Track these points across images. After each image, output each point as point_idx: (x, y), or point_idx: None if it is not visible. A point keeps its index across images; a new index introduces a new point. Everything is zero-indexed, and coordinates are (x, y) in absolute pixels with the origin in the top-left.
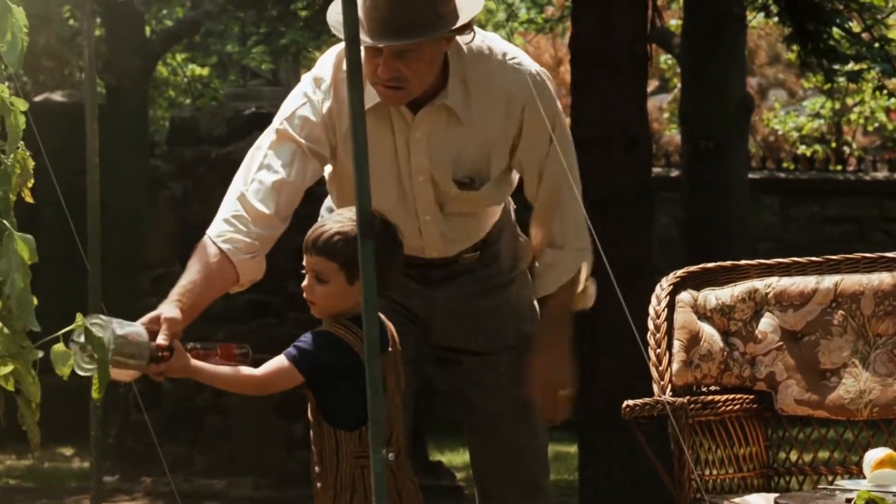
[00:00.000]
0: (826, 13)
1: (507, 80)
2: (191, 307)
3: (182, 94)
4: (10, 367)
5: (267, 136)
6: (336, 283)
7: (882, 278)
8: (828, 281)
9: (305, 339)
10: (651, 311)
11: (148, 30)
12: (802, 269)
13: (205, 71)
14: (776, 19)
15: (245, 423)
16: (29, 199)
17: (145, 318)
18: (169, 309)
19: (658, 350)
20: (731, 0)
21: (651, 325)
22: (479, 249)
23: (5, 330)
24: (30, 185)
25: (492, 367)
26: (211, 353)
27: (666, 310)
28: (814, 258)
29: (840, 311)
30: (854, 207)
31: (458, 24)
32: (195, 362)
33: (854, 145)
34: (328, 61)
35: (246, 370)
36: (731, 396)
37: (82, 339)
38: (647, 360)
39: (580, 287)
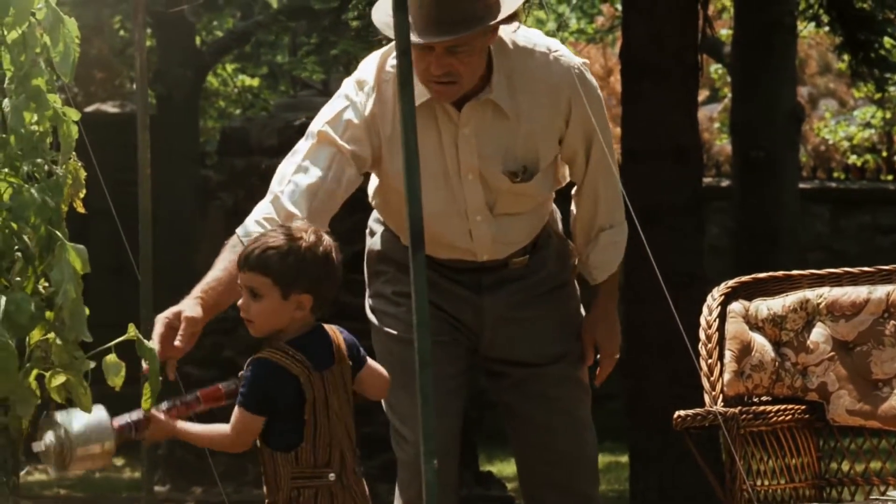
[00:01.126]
0: (877, 22)
1: (551, 74)
2: (213, 305)
3: (232, 104)
4: (62, 378)
5: (306, 140)
6: (271, 299)
7: None
8: (880, 291)
9: (248, 376)
10: (702, 321)
11: (198, 40)
12: (854, 280)
13: (255, 81)
14: (827, 29)
15: None
16: (81, 210)
17: (168, 312)
18: (190, 307)
19: (710, 360)
20: (783, 10)
21: (703, 335)
22: (528, 253)
23: (58, 340)
24: (81, 195)
25: (540, 378)
26: (192, 404)
27: (717, 320)
28: (865, 268)
29: (892, 322)
30: None
31: (505, 13)
32: (179, 424)
33: None
34: (371, 64)
35: (219, 430)
36: (783, 407)
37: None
38: (698, 370)
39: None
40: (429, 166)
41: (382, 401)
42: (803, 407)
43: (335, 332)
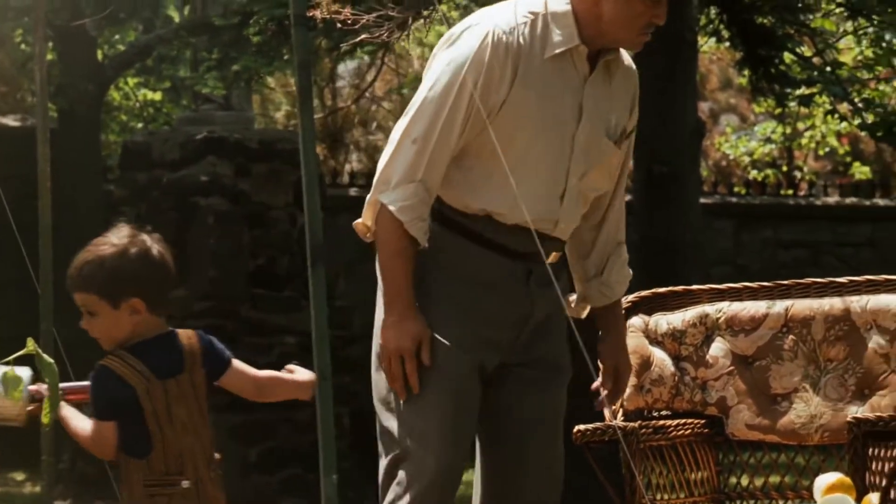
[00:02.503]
0: (777, 38)
1: (630, 62)
2: None
3: (135, 118)
4: None
5: None
6: (104, 313)
7: (832, 303)
8: (779, 306)
9: (90, 385)
10: None
11: (100, 54)
12: (754, 294)
13: (157, 95)
14: (728, 44)
15: None
16: None
17: (410, 345)
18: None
19: None
20: (684, 25)
21: None
22: (561, 250)
23: None
24: None
25: (550, 383)
26: (69, 394)
27: None
28: (764, 283)
29: (791, 336)
30: (806, 232)
31: None
32: (64, 409)
33: (805, 170)
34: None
35: (85, 429)
36: (683, 421)
37: None
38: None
39: None
40: (548, 115)
41: (383, 426)
42: (703, 421)
43: (190, 337)
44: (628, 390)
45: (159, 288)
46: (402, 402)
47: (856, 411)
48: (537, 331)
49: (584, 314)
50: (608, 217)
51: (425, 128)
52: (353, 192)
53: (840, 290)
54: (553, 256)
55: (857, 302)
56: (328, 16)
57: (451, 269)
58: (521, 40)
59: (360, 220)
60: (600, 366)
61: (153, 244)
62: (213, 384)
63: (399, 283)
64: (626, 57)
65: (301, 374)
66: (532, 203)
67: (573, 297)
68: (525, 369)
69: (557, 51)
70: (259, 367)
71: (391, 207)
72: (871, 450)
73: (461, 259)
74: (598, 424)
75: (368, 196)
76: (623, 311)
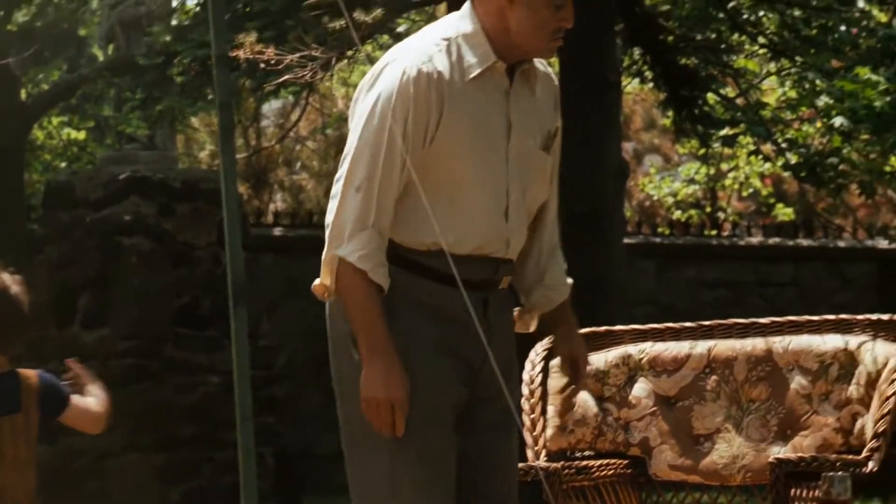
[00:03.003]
0: (700, 79)
1: (546, 67)
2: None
3: (58, 157)
4: None
5: None
6: None
7: (755, 343)
8: (701, 346)
9: None
10: (525, 376)
11: (24, 93)
12: (676, 335)
13: (81, 135)
14: (651, 85)
15: (124, 488)
16: None
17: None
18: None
19: (532, 415)
20: (607, 66)
21: (525, 391)
22: (512, 272)
23: None
24: None
25: (506, 412)
26: None
27: (540, 375)
28: (687, 324)
29: (713, 377)
30: (730, 272)
31: None
32: None
33: (729, 210)
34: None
35: None
36: (606, 462)
37: None
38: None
39: None
40: (479, 137)
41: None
42: (626, 462)
43: (30, 377)
44: (550, 430)
45: (5, 328)
46: (385, 448)
47: (778, 451)
48: (497, 360)
49: (534, 326)
50: (544, 221)
51: (366, 173)
52: (276, 231)
53: (762, 331)
54: (505, 281)
55: (779, 343)
56: (251, 56)
57: (415, 309)
58: (439, 68)
59: (317, 282)
60: (558, 359)
61: (10, 285)
62: (55, 420)
63: (376, 332)
64: (540, 63)
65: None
66: (481, 227)
67: (517, 310)
68: (485, 409)
69: (476, 72)
70: (183, 408)
71: (350, 259)
72: (793, 490)
73: (423, 297)
74: (520, 465)
75: (323, 255)
76: (571, 308)
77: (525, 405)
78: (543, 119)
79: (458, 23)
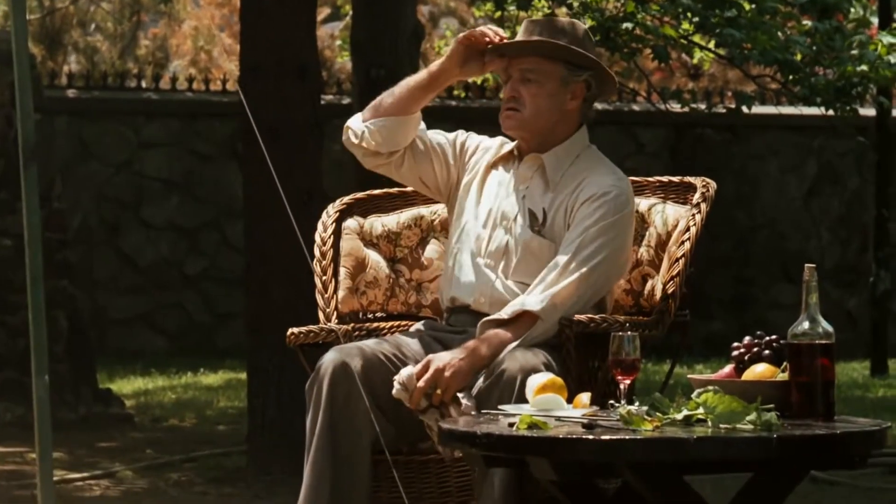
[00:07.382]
0: None
1: (601, 186)
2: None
3: None
4: None
5: None
6: None
7: None
8: None
9: None
10: (317, 237)
11: None
12: None
13: None
14: None
15: None
16: None
17: None
18: None
19: (324, 277)
20: None
21: (317, 252)
22: None
23: None
24: None
25: None
26: None
27: (332, 237)
28: None
29: None
30: None
31: (587, 74)
32: None
33: None
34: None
35: None
36: (397, 323)
37: None
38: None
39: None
40: (483, 207)
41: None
42: (418, 323)
43: None
44: (342, 293)
45: None
46: None
47: None
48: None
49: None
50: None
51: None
52: (70, 93)
53: None
54: None
55: None
56: None
57: None
58: None
59: None
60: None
61: None
62: None
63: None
64: (591, 179)
65: None
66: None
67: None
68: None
69: (503, 152)
70: None
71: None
72: (582, 351)
73: None
74: (311, 327)
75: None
76: (485, 346)
77: (316, 267)
78: (553, 211)
79: None
